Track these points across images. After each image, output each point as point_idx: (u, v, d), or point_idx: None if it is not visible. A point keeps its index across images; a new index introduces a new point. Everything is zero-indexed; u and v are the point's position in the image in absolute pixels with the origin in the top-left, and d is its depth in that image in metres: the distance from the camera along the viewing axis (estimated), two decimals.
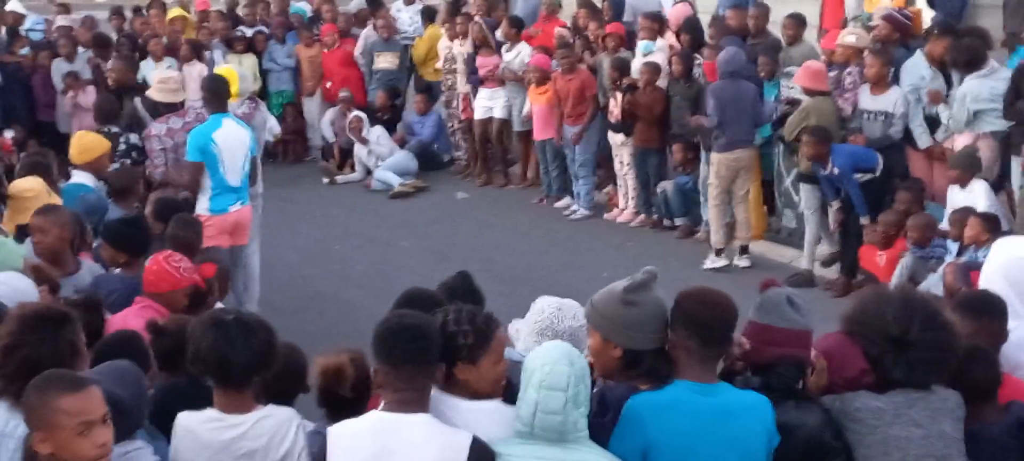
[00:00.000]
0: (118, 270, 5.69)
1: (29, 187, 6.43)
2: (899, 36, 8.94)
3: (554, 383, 2.93)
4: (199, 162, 7.15)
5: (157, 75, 9.15)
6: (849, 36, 8.94)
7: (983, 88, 8.06)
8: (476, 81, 11.66)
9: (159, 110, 8.11)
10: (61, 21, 13.37)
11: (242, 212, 7.24)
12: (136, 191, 7.21)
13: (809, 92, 8.63)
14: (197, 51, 11.74)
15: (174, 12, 13.34)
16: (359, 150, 12.03)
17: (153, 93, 8.46)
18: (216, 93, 7.64)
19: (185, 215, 6.40)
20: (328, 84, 12.49)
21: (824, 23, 10.82)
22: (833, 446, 3.24)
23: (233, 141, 7.32)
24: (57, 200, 6.36)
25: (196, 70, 11.11)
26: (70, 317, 3.50)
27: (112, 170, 7.37)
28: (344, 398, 3.66)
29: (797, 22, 9.78)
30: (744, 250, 9.13)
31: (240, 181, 7.33)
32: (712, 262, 8.96)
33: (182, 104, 8.24)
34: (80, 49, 11.88)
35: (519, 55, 11.26)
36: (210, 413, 3.41)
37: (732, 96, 8.91)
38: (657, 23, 10.38)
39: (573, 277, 5.08)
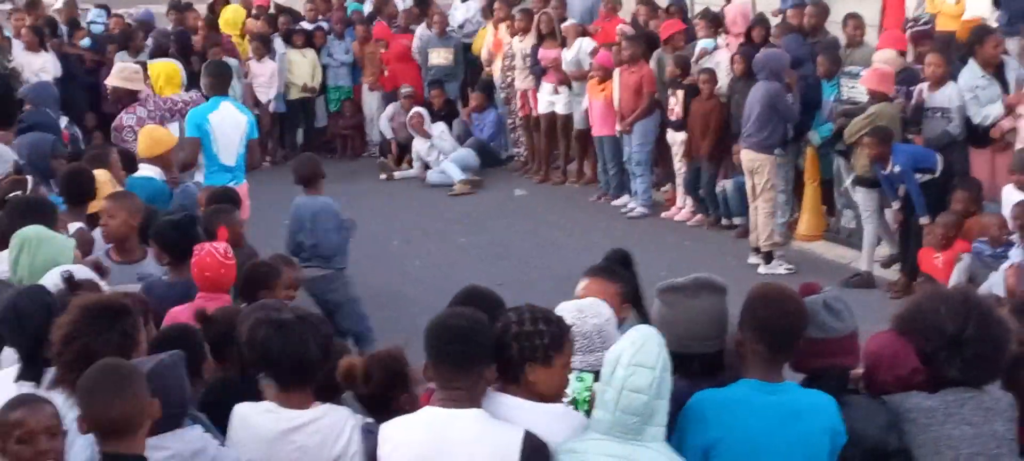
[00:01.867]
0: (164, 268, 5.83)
1: (103, 174, 6.74)
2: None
3: (643, 360, 2.86)
4: (197, 137, 7.51)
5: (117, 65, 9.21)
6: (877, 67, 8.58)
7: None
8: (539, 72, 11.52)
9: (121, 98, 8.24)
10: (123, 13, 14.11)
11: (238, 190, 7.33)
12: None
13: (874, 94, 8.56)
14: (265, 45, 11.92)
15: (234, 9, 13.43)
16: (418, 145, 12.11)
17: (114, 80, 8.43)
18: (218, 77, 8.06)
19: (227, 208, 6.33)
20: (384, 73, 12.44)
21: (885, 23, 10.72)
22: (897, 447, 3.21)
23: (228, 123, 7.64)
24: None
25: (267, 67, 11.73)
26: (128, 309, 3.59)
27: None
28: (370, 395, 3.64)
29: (858, 22, 9.92)
30: (769, 257, 8.65)
31: (235, 161, 7.61)
32: (754, 260, 8.93)
33: (138, 93, 8.19)
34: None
35: (580, 50, 11.10)
36: (268, 405, 3.41)
37: (753, 97, 8.70)
38: (715, 21, 10.44)
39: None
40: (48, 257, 4.72)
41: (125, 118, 8.11)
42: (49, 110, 9.17)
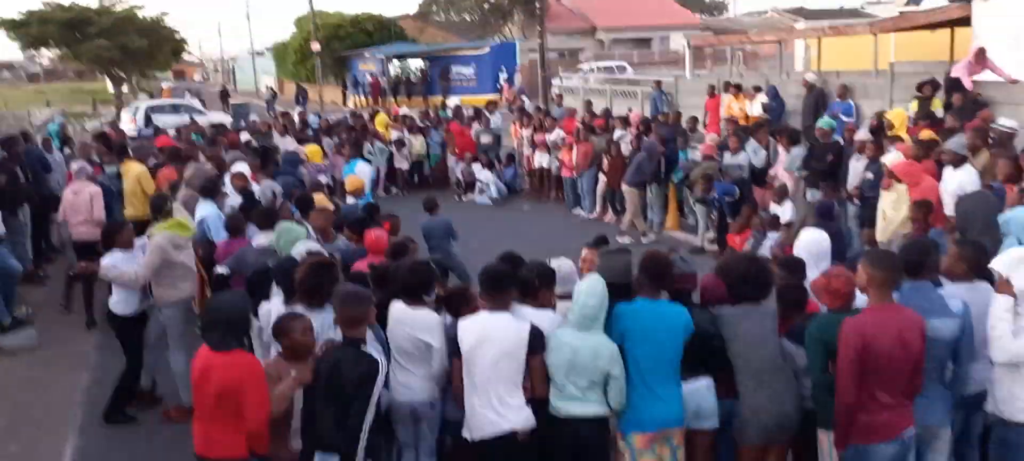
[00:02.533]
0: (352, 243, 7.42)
1: (320, 201, 8.97)
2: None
3: (592, 289, 4.32)
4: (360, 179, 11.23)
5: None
6: (706, 142, 12.69)
7: (797, 153, 11.31)
8: (536, 145, 16.25)
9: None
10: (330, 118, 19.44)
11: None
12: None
13: (704, 157, 12.16)
14: (400, 142, 17.43)
15: (381, 116, 19.45)
16: (480, 177, 16.82)
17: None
18: (355, 145, 13.99)
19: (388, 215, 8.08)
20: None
21: (709, 120, 15.58)
22: (716, 333, 4.53)
23: (362, 172, 12.19)
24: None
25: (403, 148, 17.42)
26: (333, 264, 5.13)
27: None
28: (453, 307, 5.10)
29: (694, 120, 14.48)
30: (644, 234, 12.53)
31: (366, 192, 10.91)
32: (625, 239, 11.90)
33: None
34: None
35: (556, 135, 15.72)
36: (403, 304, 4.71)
37: (634, 162, 12.73)
38: (624, 120, 15.13)
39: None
40: (293, 238, 6.32)
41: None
42: (292, 165, 12.30)
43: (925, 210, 7.21)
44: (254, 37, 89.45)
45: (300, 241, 6.08)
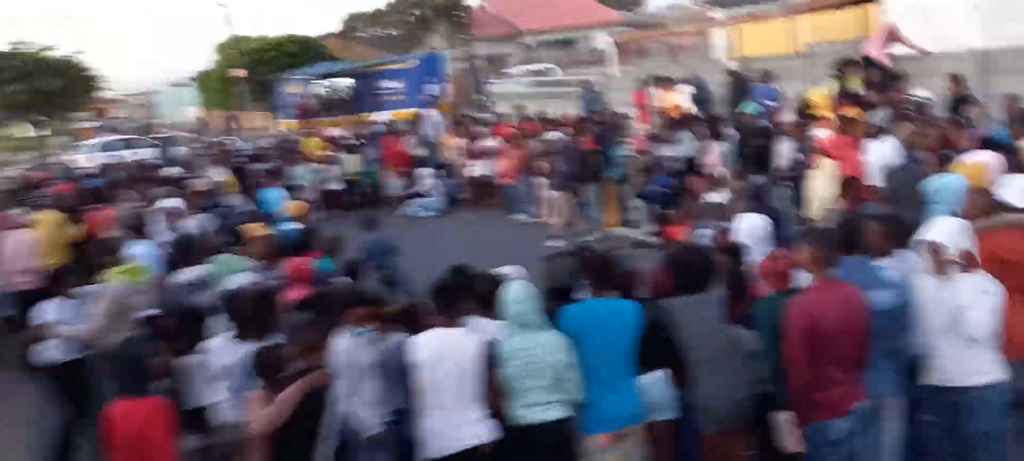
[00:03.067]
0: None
1: (256, 229, 8.51)
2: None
3: (517, 294, 4.43)
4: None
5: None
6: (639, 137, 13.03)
7: (726, 144, 11.34)
8: (472, 153, 16.28)
9: None
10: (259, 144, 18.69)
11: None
12: None
13: (639, 151, 12.54)
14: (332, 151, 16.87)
15: (316, 141, 18.75)
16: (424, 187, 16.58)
17: None
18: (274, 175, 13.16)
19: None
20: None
21: (639, 115, 15.69)
22: (665, 324, 4.58)
23: (278, 201, 11.70)
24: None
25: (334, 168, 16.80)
26: (277, 291, 5.46)
27: None
28: (407, 322, 4.93)
29: (627, 117, 14.66)
30: (578, 235, 11.93)
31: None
32: (554, 243, 11.37)
33: None
34: None
35: (492, 141, 15.98)
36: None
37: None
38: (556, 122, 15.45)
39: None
40: (232, 270, 6.44)
41: None
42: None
43: (854, 185, 7.39)
44: (175, 67, 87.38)
45: (238, 273, 6.07)
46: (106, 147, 27.43)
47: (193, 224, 9.39)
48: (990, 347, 4.19)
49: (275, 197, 11.81)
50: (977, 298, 4.13)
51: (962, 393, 4.20)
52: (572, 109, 18.52)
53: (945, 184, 5.55)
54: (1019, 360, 4.33)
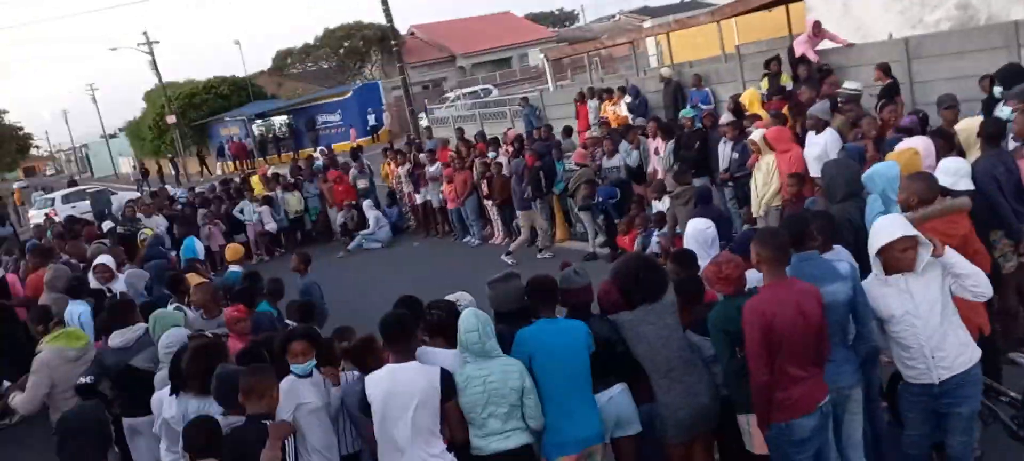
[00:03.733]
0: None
1: (194, 278, 8.58)
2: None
3: (466, 324, 4.31)
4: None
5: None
6: (579, 151, 12.90)
7: (668, 149, 11.63)
8: (416, 180, 16.24)
9: None
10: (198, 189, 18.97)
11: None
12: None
13: (578, 164, 12.39)
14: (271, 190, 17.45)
15: (256, 179, 18.58)
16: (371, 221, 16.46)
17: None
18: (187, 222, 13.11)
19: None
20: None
21: (579, 127, 15.88)
22: (618, 339, 4.57)
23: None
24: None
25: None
26: (221, 343, 5.13)
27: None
28: (361, 362, 4.79)
29: (568, 131, 14.92)
30: (540, 249, 12.67)
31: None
32: (510, 261, 12.25)
33: None
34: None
35: (436, 167, 15.61)
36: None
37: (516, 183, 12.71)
38: (496, 142, 15.27)
39: (474, 275, 6.21)
40: (169, 324, 5.89)
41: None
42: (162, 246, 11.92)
43: (800, 180, 7.50)
44: (105, 118, 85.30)
45: (169, 330, 5.63)
46: (66, 199, 26.75)
47: (124, 280, 9.13)
48: (963, 331, 4.19)
49: (195, 245, 11.52)
50: (960, 271, 4.14)
51: (944, 385, 4.18)
52: (511, 127, 18.55)
53: (879, 172, 5.61)
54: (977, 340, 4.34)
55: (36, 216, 25.72)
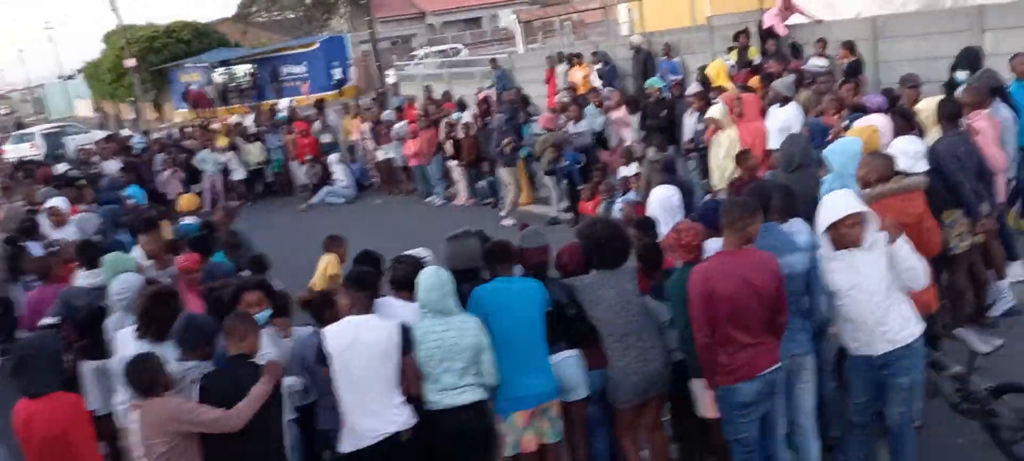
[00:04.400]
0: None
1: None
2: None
3: (427, 280, 4.37)
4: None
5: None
6: (545, 115, 12.93)
7: (635, 118, 11.60)
8: (377, 136, 16.12)
9: None
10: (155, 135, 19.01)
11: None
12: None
13: (546, 129, 12.35)
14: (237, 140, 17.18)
15: (224, 126, 18.32)
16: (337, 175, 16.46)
17: None
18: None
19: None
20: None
21: (549, 91, 15.84)
22: (572, 303, 4.65)
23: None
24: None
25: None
26: (174, 291, 5.09)
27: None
28: (318, 313, 4.88)
29: (525, 100, 14.46)
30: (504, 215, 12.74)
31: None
32: (509, 222, 12.29)
33: None
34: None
35: (401, 124, 15.46)
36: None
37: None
38: (462, 105, 15.36)
39: (436, 234, 5.70)
40: (123, 268, 5.93)
41: None
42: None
43: (746, 159, 7.60)
44: (63, 59, 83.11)
45: (122, 275, 5.64)
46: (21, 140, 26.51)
47: (77, 222, 9.04)
48: (907, 305, 4.29)
49: (137, 194, 11.46)
50: (904, 263, 4.23)
51: (886, 357, 4.28)
52: (483, 88, 18.43)
53: (838, 148, 5.71)
54: (924, 316, 4.45)
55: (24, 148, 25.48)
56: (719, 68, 12.36)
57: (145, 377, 4.03)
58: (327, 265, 7.22)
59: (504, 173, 12.95)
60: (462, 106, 14.57)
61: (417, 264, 4.66)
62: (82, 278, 6.29)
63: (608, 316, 4.53)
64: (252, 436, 4.04)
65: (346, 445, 4.30)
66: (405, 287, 4.58)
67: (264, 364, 4.19)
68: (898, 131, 6.23)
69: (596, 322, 4.55)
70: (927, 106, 6.66)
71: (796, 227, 4.65)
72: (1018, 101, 7.30)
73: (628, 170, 10.52)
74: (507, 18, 43.52)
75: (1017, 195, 7.60)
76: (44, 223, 8.89)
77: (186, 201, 10.54)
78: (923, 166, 5.63)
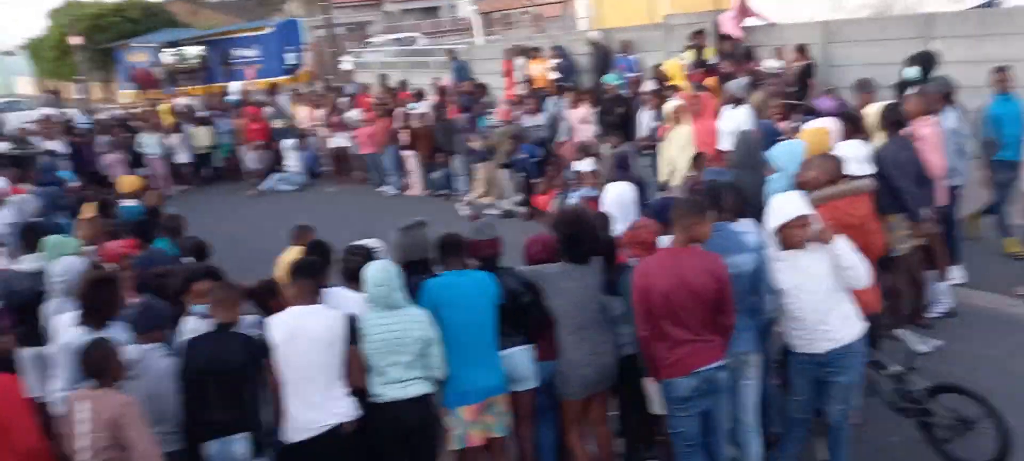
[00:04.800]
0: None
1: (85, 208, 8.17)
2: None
3: (375, 275, 4.34)
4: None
5: None
6: (503, 107, 13.15)
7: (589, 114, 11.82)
8: (328, 124, 15.87)
9: None
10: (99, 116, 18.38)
11: None
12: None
13: (504, 121, 12.47)
14: (177, 127, 16.66)
15: (165, 108, 18.08)
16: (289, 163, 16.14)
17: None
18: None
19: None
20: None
21: (507, 85, 15.90)
22: (525, 292, 4.64)
23: None
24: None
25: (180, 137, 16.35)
26: (115, 276, 4.97)
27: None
28: (262, 303, 4.93)
29: (482, 88, 14.70)
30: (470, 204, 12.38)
31: None
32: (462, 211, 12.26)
33: None
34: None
35: (354, 113, 15.35)
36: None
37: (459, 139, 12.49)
38: (419, 94, 15.21)
39: (388, 224, 5.42)
40: (65, 251, 5.91)
41: None
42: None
43: (701, 161, 7.69)
44: (2, 35, 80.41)
45: (63, 258, 5.60)
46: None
47: (19, 205, 8.76)
48: (848, 305, 4.39)
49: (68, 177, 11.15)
50: (844, 262, 4.32)
51: (828, 355, 4.39)
52: (442, 79, 18.34)
53: (786, 150, 5.84)
54: (866, 315, 4.58)
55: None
56: (675, 67, 12.49)
57: (98, 361, 4.00)
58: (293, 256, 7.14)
59: (481, 168, 12.67)
60: (420, 96, 14.53)
61: (368, 255, 4.66)
62: (27, 261, 6.13)
63: (567, 308, 4.55)
64: (229, 403, 4.20)
65: (288, 436, 4.26)
66: (356, 278, 4.56)
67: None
68: (846, 134, 6.36)
69: (555, 311, 4.57)
70: (874, 111, 6.82)
71: (745, 227, 4.73)
72: (998, 114, 7.58)
73: (583, 165, 10.77)
74: (466, 8, 43.34)
75: (994, 208, 7.88)
76: None
77: (127, 182, 10.15)
78: (869, 170, 5.77)
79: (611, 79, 12.52)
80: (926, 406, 4.92)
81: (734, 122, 8.53)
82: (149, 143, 15.87)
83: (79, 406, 3.96)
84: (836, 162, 5.28)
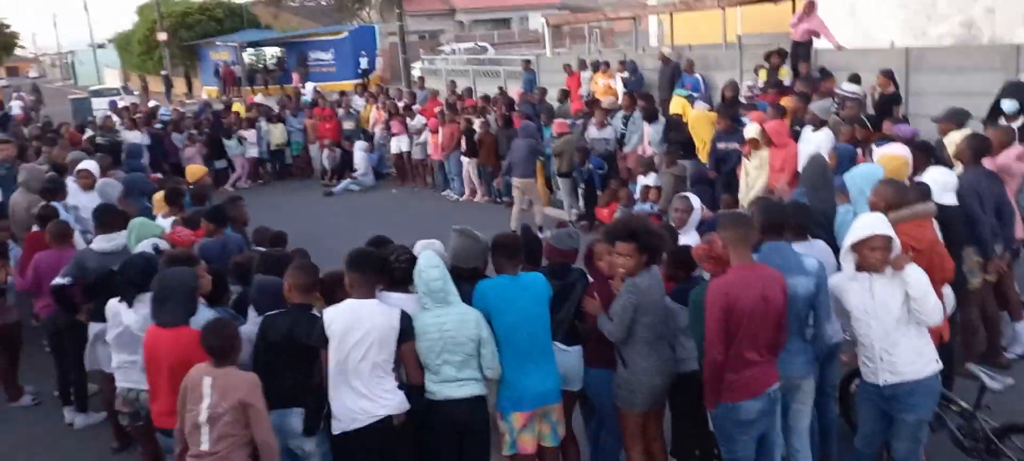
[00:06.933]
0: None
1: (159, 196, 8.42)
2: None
3: (428, 264, 4.35)
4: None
5: None
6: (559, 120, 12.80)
7: (656, 129, 11.67)
8: (389, 129, 16.30)
9: None
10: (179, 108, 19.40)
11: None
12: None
13: (559, 133, 12.31)
14: (251, 122, 17.37)
15: (239, 105, 18.81)
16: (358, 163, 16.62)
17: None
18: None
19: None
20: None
21: (573, 97, 15.81)
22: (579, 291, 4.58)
23: None
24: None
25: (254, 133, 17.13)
26: (196, 258, 5.26)
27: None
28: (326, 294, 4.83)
29: (565, 94, 15.22)
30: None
31: None
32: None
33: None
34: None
35: (418, 120, 15.85)
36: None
37: (518, 146, 12.02)
38: (487, 100, 15.63)
39: (448, 229, 5.17)
40: (147, 235, 6.21)
41: None
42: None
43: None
44: (94, 28, 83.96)
45: (146, 239, 5.85)
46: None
47: (98, 188, 9.01)
48: (922, 340, 4.23)
49: None
50: (914, 293, 4.14)
51: (901, 386, 4.22)
52: (506, 88, 18.50)
53: (859, 173, 5.69)
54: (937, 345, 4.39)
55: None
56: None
57: (222, 342, 4.09)
58: None
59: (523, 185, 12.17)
60: (487, 102, 14.76)
61: (411, 257, 4.61)
62: (99, 241, 6.29)
63: (651, 319, 4.43)
64: (298, 372, 4.35)
65: (337, 427, 4.27)
66: (401, 282, 4.53)
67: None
68: (918, 163, 6.19)
69: (636, 323, 4.40)
70: (956, 140, 6.61)
71: (807, 249, 4.64)
72: None
73: (647, 180, 10.67)
74: (537, 21, 43.56)
75: None
76: (70, 185, 8.95)
77: (193, 172, 10.30)
78: (950, 199, 5.62)
79: (681, 93, 12.47)
80: (993, 446, 4.71)
81: (813, 145, 8.36)
82: (227, 139, 16.16)
83: (203, 381, 4.08)
84: (898, 186, 5.15)
